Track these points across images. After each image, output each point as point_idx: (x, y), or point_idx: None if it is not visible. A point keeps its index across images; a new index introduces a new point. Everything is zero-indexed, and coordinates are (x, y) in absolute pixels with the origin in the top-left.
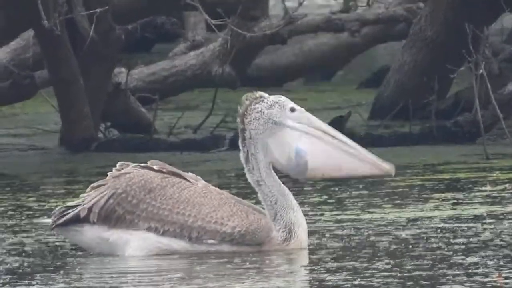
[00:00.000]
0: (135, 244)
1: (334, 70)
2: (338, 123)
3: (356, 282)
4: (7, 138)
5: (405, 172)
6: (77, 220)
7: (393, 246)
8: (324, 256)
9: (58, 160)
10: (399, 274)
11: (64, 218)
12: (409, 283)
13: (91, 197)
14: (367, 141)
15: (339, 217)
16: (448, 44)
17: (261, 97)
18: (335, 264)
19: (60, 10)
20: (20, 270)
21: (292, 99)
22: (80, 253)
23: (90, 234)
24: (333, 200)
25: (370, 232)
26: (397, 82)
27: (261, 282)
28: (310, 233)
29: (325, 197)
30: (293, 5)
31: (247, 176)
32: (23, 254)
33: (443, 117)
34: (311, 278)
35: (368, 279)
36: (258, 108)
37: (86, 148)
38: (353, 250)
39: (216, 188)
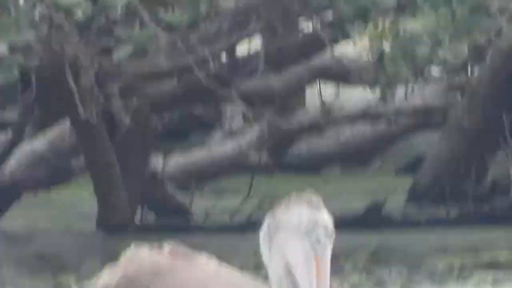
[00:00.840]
0: None
1: (371, 157)
2: (375, 209)
3: None
4: (44, 222)
5: (444, 252)
6: None
7: None
8: None
9: (95, 243)
10: None
11: None
12: None
13: (102, 279)
14: (404, 225)
15: None
16: (484, 133)
17: (310, 203)
18: None
19: (97, 101)
20: None
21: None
22: None
23: None
24: (374, 279)
25: None
26: (434, 169)
27: None
28: None
29: (364, 275)
30: (330, 96)
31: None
32: None
33: (480, 201)
34: None
35: None
36: (299, 211)
37: (123, 232)
38: None
39: (231, 270)
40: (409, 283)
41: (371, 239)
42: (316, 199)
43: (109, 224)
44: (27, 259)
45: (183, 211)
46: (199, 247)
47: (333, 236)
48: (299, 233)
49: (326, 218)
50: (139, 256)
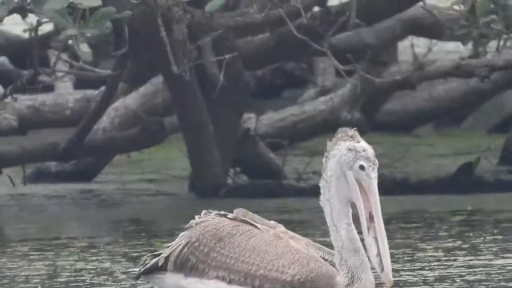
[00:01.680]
0: None
1: (464, 115)
2: (466, 169)
3: None
4: (136, 184)
5: None
6: (159, 268)
7: None
8: None
9: (187, 206)
10: None
11: (145, 267)
12: None
13: (171, 246)
14: (496, 187)
15: (471, 263)
16: None
17: (351, 136)
18: None
19: (190, 56)
20: None
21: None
22: None
23: (169, 281)
24: (467, 245)
25: (501, 277)
26: None
27: None
28: (442, 278)
29: (459, 242)
30: (422, 50)
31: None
32: None
33: None
34: None
35: None
36: (340, 145)
37: (216, 194)
38: None
39: (296, 235)
40: (502, 252)
41: (463, 202)
42: (352, 131)
43: (201, 185)
44: (120, 223)
45: (275, 172)
46: (290, 210)
47: (377, 164)
48: (343, 166)
49: (364, 146)
50: (205, 221)
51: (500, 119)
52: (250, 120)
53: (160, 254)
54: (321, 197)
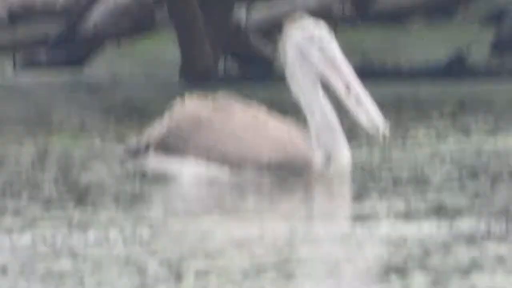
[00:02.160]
0: (188, 173)
1: (454, 7)
2: (458, 60)
3: (477, 203)
4: (128, 71)
5: None
6: (144, 149)
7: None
8: (443, 179)
9: (178, 92)
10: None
11: (129, 147)
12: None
13: (154, 128)
14: (487, 75)
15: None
16: None
17: (304, 26)
18: (455, 185)
19: None
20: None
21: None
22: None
23: (154, 163)
24: (460, 126)
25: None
26: None
27: None
28: (432, 156)
29: (450, 121)
30: None
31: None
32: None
33: None
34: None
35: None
36: (298, 36)
37: (206, 82)
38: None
39: (276, 117)
40: (496, 130)
41: (455, 89)
42: (304, 21)
43: (192, 73)
44: (112, 107)
45: (266, 62)
46: (279, 97)
47: (331, 37)
48: (305, 52)
49: (313, 27)
50: (185, 107)
51: (491, 11)
52: (241, 12)
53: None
54: (293, 90)
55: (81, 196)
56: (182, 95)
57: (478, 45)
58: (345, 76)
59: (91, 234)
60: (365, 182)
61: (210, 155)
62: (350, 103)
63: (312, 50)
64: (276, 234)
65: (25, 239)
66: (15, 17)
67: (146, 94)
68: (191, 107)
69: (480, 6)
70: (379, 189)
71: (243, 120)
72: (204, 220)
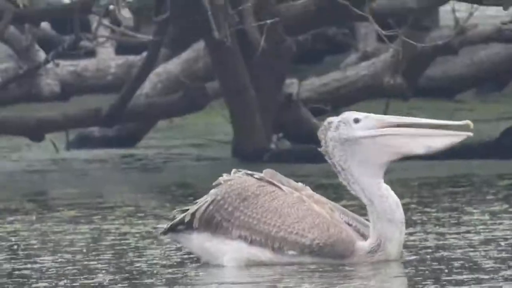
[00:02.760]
0: (229, 254)
1: (505, 80)
2: (510, 133)
3: None
4: (180, 149)
5: None
6: (186, 226)
7: None
8: (497, 266)
9: (231, 171)
10: None
11: (173, 221)
12: None
13: (198, 203)
14: None
15: None
16: None
17: (328, 123)
18: (508, 272)
19: (231, 21)
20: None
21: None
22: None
23: (196, 241)
24: None
25: None
26: None
27: None
28: (488, 241)
29: (505, 206)
30: (463, 15)
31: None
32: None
33: None
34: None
35: None
36: (329, 135)
37: (259, 159)
38: None
39: (321, 199)
40: None
41: (508, 166)
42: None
43: (244, 150)
44: (166, 188)
45: (318, 137)
46: (330, 174)
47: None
48: (348, 140)
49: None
50: (231, 179)
51: None
52: (292, 85)
53: (187, 210)
54: (349, 187)
55: (134, 283)
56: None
57: None
58: (401, 122)
59: None
60: (418, 270)
61: (253, 235)
62: (418, 148)
63: (352, 125)
64: None
65: None
66: (67, 92)
67: (199, 172)
68: (236, 181)
69: None
70: (433, 277)
71: (288, 199)
72: None
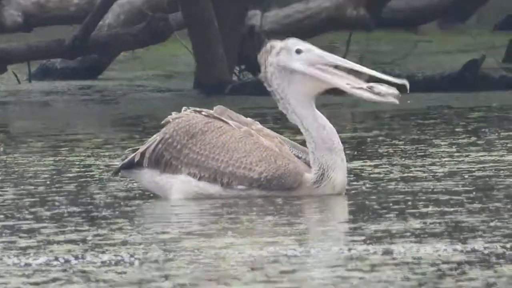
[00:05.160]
0: (178, 188)
1: (469, 12)
2: (472, 66)
3: (492, 224)
4: (142, 80)
5: None
6: (136, 164)
7: None
8: (461, 199)
9: (192, 102)
10: None
11: (123, 162)
12: None
13: (147, 142)
14: (502, 83)
15: (482, 158)
16: None
17: (270, 47)
18: (472, 205)
19: None
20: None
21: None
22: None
23: (146, 177)
24: (482, 141)
25: (508, 173)
26: None
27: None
28: (452, 174)
29: (474, 138)
30: None
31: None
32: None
33: None
34: (448, 220)
35: (505, 221)
36: (269, 60)
37: (221, 91)
38: (490, 192)
39: (271, 133)
40: None
41: (481, 99)
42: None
43: (206, 82)
44: (131, 119)
45: None
46: None
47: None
48: (285, 66)
49: (282, 43)
50: (179, 117)
51: (505, 16)
52: (255, 16)
53: (138, 149)
54: (288, 115)
55: (91, 216)
56: (198, 105)
57: (492, 52)
58: (342, 66)
59: (105, 256)
60: (381, 202)
61: (201, 172)
62: (356, 91)
63: (291, 58)
64: (287, 256)
65: (40, 260)
66: (30, 22)
67: (159, 105)
68: (184, 119)
69: (494, 11)
70: (394, 209)
71: (235, 134)
72: (215, 241)
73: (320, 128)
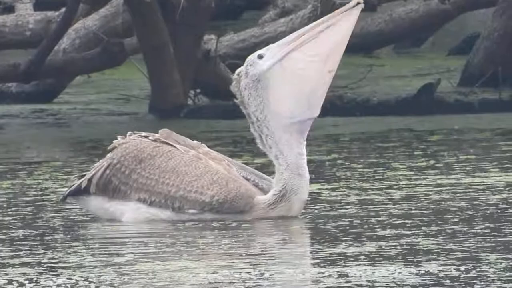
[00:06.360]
0: (129, 216)
1: (424, 37)
2: (427, 90)
3: (447, 247)
4: (97, 104)
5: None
6: (83, 190)
7: (488, 211)
8: (417, 222)
9: (147, 127)
10: (493, 239)
11: (70, 189)
12: (500, 248)
13: (94, 167)
14: (457, 107)
15: (439, 182)
16: None
17: (238, 74)
18: (429, 228)
19: None
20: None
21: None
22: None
23: (95, 203)
24: (441, 165)
25: (465, 197)
26: (487, 49)
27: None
28: (409, 197)
29: (432, 161)
30: None
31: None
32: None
33: None
34: (405, 242)
35: (460, 244)
36: (243, 84)
37: (176, 115)
38: (445, 215)
39: (218, 155)
40: (474, 171)
41: (441, 123)
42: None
43: (161, 106)
44: (83, 143)
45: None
46: (244, 130)
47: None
48: (255, 82)
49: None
50: (126, 142)
51: (460, 41)
52: (210, 41)
53: (84, 175)
54: (258, 139)
55: (45, 239)
56: (153, 129)
57: (447, 76)
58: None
59: (60, 279)
60: (337, 225)
61: (152, 197)
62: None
63: (257, 66)
64: (242, 279)
65: None
66: None
67: (115, 128)
68: (131, 144)
69: (449, 36)
70: (351, 233)
71: (184, 158)
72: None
73: (301, 156)
